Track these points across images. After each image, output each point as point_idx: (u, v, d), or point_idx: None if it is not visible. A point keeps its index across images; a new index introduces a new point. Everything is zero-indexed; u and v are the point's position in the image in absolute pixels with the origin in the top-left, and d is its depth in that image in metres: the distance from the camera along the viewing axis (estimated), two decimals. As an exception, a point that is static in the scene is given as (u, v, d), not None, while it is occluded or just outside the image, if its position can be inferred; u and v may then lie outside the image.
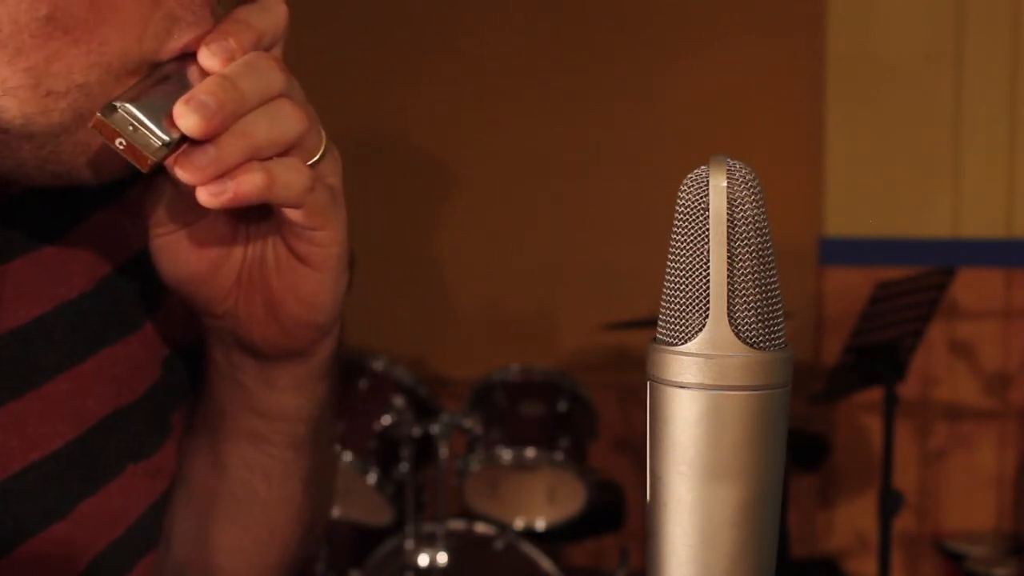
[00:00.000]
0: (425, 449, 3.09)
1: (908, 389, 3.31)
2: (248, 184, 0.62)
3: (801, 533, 3.94)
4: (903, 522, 3.48)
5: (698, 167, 0.51)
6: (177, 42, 0.64)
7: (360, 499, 3.13)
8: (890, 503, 2.85)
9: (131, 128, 0.61)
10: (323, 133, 0.69)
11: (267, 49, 0.67)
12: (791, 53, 3.95)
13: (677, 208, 0.52)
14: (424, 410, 3.11)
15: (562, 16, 4.04)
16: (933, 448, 3.95)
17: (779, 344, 0.51)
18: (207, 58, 0.63)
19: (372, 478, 3.08)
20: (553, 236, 4.03)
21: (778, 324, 0.51)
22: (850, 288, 3.59)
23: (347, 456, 3.03)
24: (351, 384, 3.11)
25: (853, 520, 3.93)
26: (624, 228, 3.82)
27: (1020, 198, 3.86)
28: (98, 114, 0.61)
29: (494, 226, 4.00)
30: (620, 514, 3.47)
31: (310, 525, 0.84)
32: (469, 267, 3.98)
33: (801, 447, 3.60)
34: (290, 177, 0.64)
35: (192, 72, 0.64)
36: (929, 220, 3.92)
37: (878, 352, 2.86)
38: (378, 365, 3.16)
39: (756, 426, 0.51)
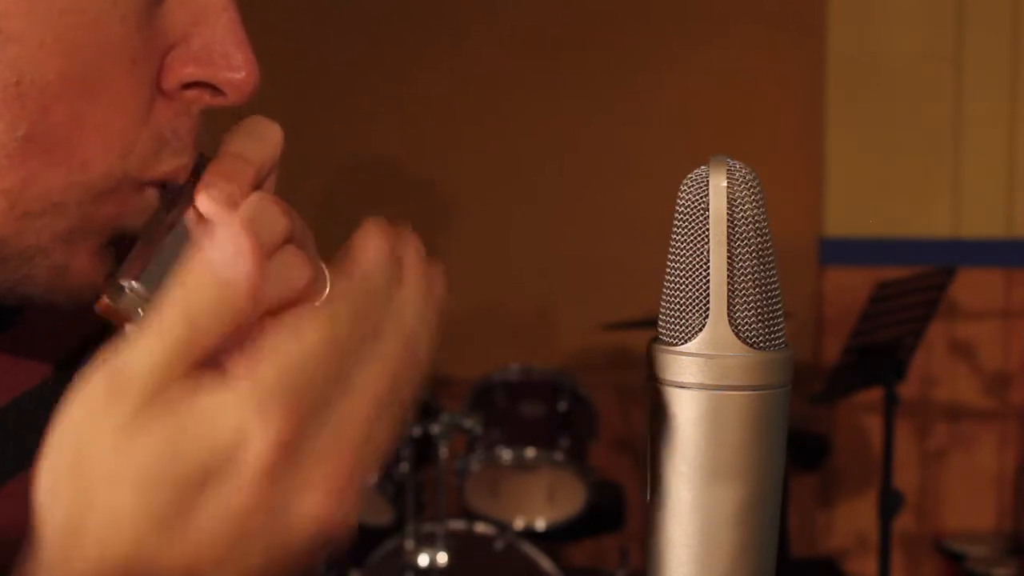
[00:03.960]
0: (425, 449, 3.09)
1: (908, 389, 3.31)
2: None
3: (801, 533, 3.94)
4: (903, 522, 3.48)
5: (698, 167, 0.51)
6: (164, 166, 0.61)
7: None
8: (890, 503, 2.85)
9: (140, 311, 0.57)
10: (327, 274, 0.60)
11: (264, 178, 0.63)
12: (791, 52, 3.95)
13: (677, 208, 0.52)
14: (424, 410, 3.11)
15: (561, 16, 4.04)
16: (933, 448, 3.95)
17: (779, 344, 0.51)
18: (208, 205, 0.59)
19: (372, 478, 3.08)
20: (553, 236, 4.03)
21: (778, 324, 0.51)
22: (850, 288, 3.59)
23: (347, 456, 3.02)
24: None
25: (853, 520, 3.93)
26: (624, 228, 3.82)
27: (1020, 198, 3.86)
28: (105, 298, 0.58)
29: (494, 226, 4.00)
30: (620, 514, 3.47)
31: None
32: (469, 267, 3.97)
33: (801, 447, 3.60)
34: None
35: (191, 219, 0.60)
36: (929, 220, 3.92)
37: (878, 352, 2.86)
38: (378, 365, 3.15)
39: (756, 426, 0.51)
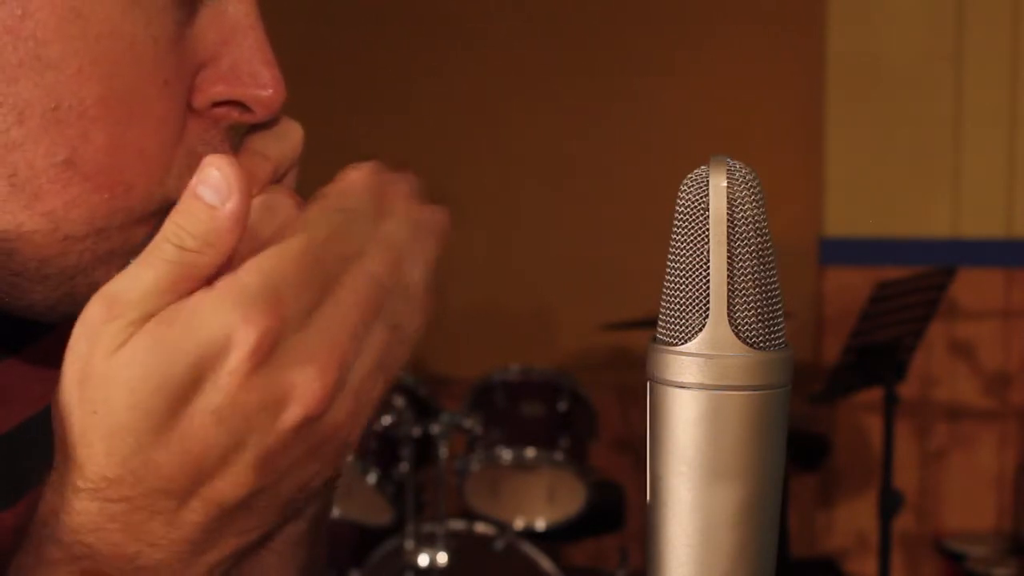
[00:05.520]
0: (425, 449, 3.09)
1: (908, 389, 3.32)
2: None
3: (801, 533, 3.94)
4: (903, 522, 3.48)
5: (698, 167, 0.51)
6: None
7: (360, 499, 3.13)
8: (890, 503, 2.85)
9: None
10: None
11: (284, 174, 0.64)
12: (791, 52, 3.95)
13: (677, 208, 0.51)
14: (424, 410, 3.11)
15: (561, 17, 4.04)
16: (933, 448, 3.96)
17: (779, 344, 0.51)
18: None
19: (372, 478, 3.08)
20: (553, 236, 4.03)
21: (778, 324, 0.51)
22: (850, 288, 3.59)
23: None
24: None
25: (853, 520, 3.93)
26: (624, 228, 3.82)
27: (1020, 198, 3.86)
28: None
29: (494, 226, 4.00)
30: (620, 514, 3.47)
31: None
32: (469, 267, 3.98)
33: (801, 447, 3.60)
34: None
35: None
36: (929, 220, 3.92)
37: (878, 352, 2.86)
38: (378, 365, 3.15)
39: (756, 426, 0.51)
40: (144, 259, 0.53)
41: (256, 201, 0.55)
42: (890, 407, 2.87)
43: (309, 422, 0.54)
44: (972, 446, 3.94)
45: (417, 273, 0.59)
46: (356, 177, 0.58)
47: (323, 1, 4.10)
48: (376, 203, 0.58)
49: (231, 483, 0.54)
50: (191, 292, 0.52)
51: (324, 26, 4.03)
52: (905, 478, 3.42)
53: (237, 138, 0.64)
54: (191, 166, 0.60)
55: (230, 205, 0.52)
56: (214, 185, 0.52)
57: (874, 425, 3.44)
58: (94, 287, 0.58)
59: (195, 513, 0.54)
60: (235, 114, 0.63)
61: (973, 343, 3.91)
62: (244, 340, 0.51)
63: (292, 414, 0.53)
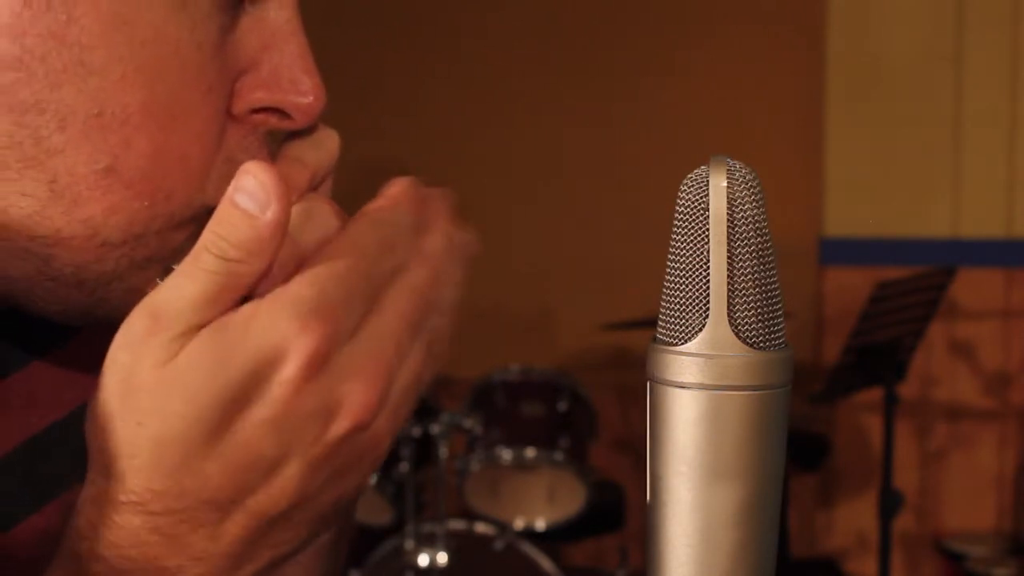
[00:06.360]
0: (425, 449, 3.09)
1: (908, 389, 3.31)
2: None
3: (801, 533, 3.94)
4: (903, 522, 3.48)
5: (698, 167, 0.51)
6: None
7: (360, 499, 3.13)
8: (890, 503, 2.85)
9: None
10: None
11: (320, 182, 0.64)
12: (791, 52, 3.95)
13: (677, 208, 0.51)
14: (424, 410, 3.11)
15: (562, 17, 4.04)
16: (933, 448, 3.96)
17: (779, 344, 0.51)
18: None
19: (372, 478, 3.07)
20: (553, 236, 4.03)
21: (778, 324, 0.51)
22: (850, 288, 3.59)
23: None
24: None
25: (853, 520, 3.93)
26: (624, 228, 3.82)
27: (1020, 198, 3.86)
28: (158, 280, 0.59)
29: (493, 226, 3.99)
30: (620, 514, 3.47)
31: None
32: (469, 267, 3.98)
33: (801, 447, 3.60)
34: None
35: None
36: (929, 220, 3.92)
37: (878, 352, 2.86)
38: (378, 365, 3.15)
39: (756, 426, 0.50)
40: (185, 270, 0.52)
41: (295, 208, 0.54)
42: (890, 407, 2.87)
43: (355, 434, 0.54)
44: (972, 446, 3.94)
45: (450, 290, 0.59)
46: (398, 191, 0.59)
47: (323, 2, 4.10)
48: (417, 218, 0.58)
49: (275, 494, 0.53)
50: (234, 301, 0.52)
51: (324, 27, 4.03)
52: (905, 478, 3.42)
53: (274, 145, 0.64)
54: (230, 173, 0.59)
55: (270, 213, 0.51)
56: (252, 192, 0.51)
57: (874, 425, 3.44)
58: (130, 292, 0.59)
59: (237, 525, 0.53)
60: (274, 120, 0.62)
61: (973, 343, 3.91)
62: (300, 349, 0.51)
63: (340, 425, 0.53)
